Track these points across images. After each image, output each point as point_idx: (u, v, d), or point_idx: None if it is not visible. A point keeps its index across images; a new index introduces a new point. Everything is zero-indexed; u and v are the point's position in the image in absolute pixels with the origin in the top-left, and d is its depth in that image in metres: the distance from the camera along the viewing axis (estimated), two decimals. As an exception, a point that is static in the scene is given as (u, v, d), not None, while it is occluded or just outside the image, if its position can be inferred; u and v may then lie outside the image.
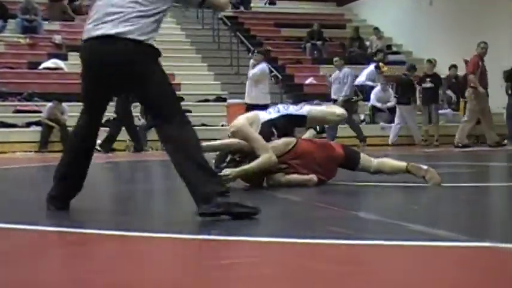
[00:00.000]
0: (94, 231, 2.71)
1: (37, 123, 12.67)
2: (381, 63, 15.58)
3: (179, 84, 14.71)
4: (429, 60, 13.53)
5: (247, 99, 11.29)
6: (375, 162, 4.54)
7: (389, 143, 13.10)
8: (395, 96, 13.61)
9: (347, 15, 20.41)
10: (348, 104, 11.83)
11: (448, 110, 14.45)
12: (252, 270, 1.96)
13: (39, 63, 14.71)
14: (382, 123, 14.13)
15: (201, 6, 3.36)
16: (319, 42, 17.27)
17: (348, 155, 4.53)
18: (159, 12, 3.11)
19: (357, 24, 19.73)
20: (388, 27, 18.05)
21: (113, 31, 3.01)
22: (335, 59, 12.89)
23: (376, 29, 17.50)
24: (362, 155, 4.60)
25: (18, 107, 13.11)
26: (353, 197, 4.12)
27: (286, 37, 18.34)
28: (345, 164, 4.53)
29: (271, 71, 15.38)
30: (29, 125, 12.78)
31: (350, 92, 12.24)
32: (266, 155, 4.29)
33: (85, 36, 3.14)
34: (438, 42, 16.06)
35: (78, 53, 13.94)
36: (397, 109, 13.35)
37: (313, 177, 4.45)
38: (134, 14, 3.04)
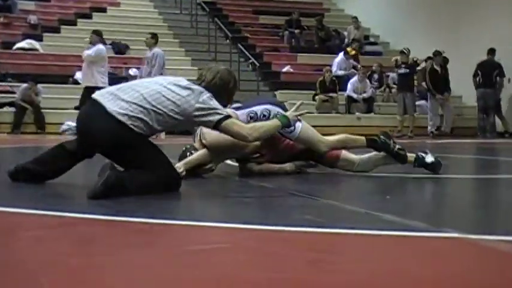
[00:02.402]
0: (68, 214, 2.70)
1: (10, 104, 12.52)
2: (348, 48, 15.61)
3: (156, 68, 14.63)
4: (402, 51, 13.60)
5: (86, 82, 10.75)
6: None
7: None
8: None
9: (325, 4, 20.44)
10: None
11: (423, 102, 14.57)
12: (225, 256, 1.97)
13: (14, 43, 14.51)
14: (357, 113, 14.21)
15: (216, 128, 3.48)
16: (297, 31, 17.27)
17: None
18: None
19: (335, 13, 19.79)
20: (366, 17, 18.12)
21: None
22: (146, 36, 11.45)
23: (354, 18, 17.54)
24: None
25: (-9, 87, 12.95)
26: (328, 185, 4.15)
27: (264, 24, 18.32)
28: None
29: (247, 58, 15.38)
30: (2, 105, 12.62)
31: (158, 75, 10.79)
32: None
33: None
34: (415, 34, 16.17)
35: (53, 34, 13.76)
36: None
37: (286, 166, 4.47)
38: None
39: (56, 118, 12.14)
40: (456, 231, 2.34)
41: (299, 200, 3.33)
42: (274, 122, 3.65)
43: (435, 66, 13.46)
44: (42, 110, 12.40)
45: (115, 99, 3.36)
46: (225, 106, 3.55)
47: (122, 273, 1.77)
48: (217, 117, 3.39)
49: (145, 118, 3.32)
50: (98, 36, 10.89)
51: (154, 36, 11.31)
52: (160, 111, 3.34)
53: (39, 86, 12.53)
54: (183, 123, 3.49)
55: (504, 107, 13.73)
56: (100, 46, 10.78)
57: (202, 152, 4.21)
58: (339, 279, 1.73)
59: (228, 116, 3.43)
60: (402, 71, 13.42)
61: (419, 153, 4.49)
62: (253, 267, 1.86)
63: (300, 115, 3.77)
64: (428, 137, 12.94)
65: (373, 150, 4.45)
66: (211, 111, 3.39)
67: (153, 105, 3.34)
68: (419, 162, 4.46)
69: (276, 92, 14.91)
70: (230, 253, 2.04)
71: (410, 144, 9.70)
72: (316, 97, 14.20)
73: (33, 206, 2.89)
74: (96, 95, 3.45)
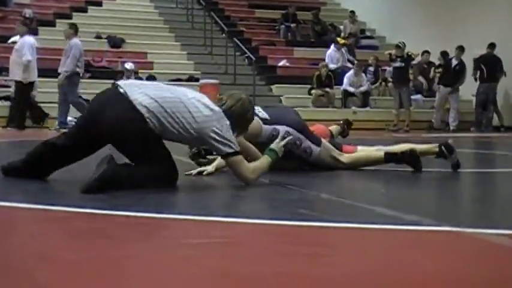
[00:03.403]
0: (63, 208, 2.69)
1: (6, 98, 12.47)
2: (338, 38, 15.59)
3: (151, 62, 14.60)
4: (398, 45, 13.59)
5: (18, 77, 10.75)
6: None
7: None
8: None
9: (322, -2, 20.39)
10: (72, 79, 10.85)
11: (419, 96, 14.58)
12: (222, 250, 1.97)
13: (9, 37, 14.45)
14: (353, 107, 14.21)
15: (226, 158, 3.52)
16: (293, 25, 17.25)
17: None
18: None
19: (331, 7, 19.76)
20: (362, 11, 18.10)
21: None
22: (65, 27, 11.20)
23: (351, 12, 17.51)
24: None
25: (-13, 81, 12.89)
26: (324, 179, 4.14)
27: (260, 18, 18.28)
28: None
29: (243, 52, 15.34)
30: (-3, 99, 12.58)
31: (72, 67, 10.90)
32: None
33: None
34: (412, 28, 16.16)
35: (49, 28, 13.69)
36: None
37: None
38: None
39: (51, 112, 12.10)
40: (453, 225, 2.34)
41: (295, 193, 3.33)
42: (266, 160, 3.65)
43: (454, 60, 13.39)
44: (38, 104, 12.36)
45: (140, 92, 3.36)
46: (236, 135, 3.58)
47: (117, 267, 1.77)
48: (229, 150, 3.42)
49: (162, 119, 3.31)
50: (25, 27, 10.86)
51: (73, 26, 11.05)
52: (177, 120, 3.33)
53: (35, 80, 12.47)
54: (193, 140, 3.49)
55: (499, 101, 13.76)
56: (28, 37, 10.74)
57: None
58: (335, 272, 1.72)
59: (238, 153, 3.46)
60: (397, 64, 13.42)
61: (445, 151, 4.37)
62: (250, 261, 1.86)
63: (285, 144, 3.77)
64: (424, 131, 12.95)
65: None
66: (226, 141, 3.41)
67: (173, 112, 3.33)
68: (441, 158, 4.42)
69: (272, 86, 14.90)
70: (227, 247, 2.03)
71: (406, 139, 9.71)
72: (312, 91, 14.20)
73: (28, 200, 2.88)
74: (121, 83, 3.45)
